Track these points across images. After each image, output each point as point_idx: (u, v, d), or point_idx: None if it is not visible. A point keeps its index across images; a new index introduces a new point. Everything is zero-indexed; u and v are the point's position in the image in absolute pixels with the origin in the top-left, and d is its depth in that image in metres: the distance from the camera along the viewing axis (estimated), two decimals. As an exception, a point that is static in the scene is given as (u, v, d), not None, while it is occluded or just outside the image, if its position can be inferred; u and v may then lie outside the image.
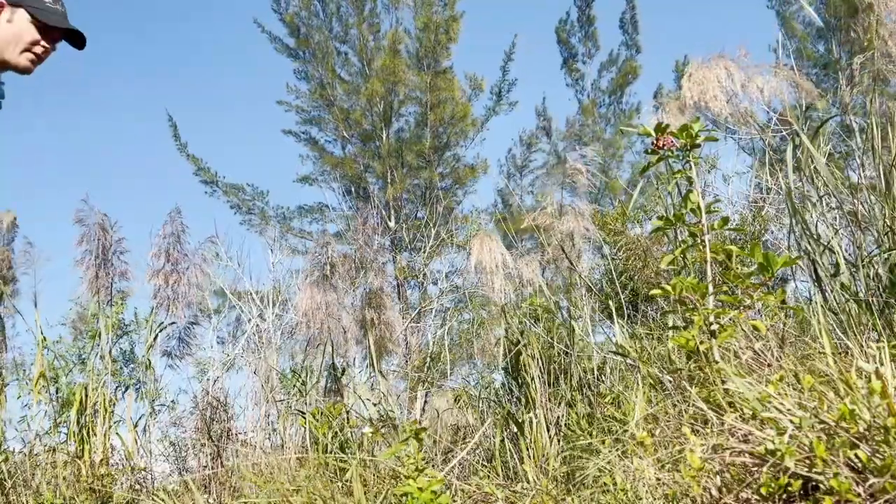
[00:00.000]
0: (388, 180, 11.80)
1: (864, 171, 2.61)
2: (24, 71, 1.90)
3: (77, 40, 1.97)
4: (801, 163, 2.51)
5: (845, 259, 2.27)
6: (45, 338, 3.44)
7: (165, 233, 6.30)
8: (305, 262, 10.28)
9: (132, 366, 6.34)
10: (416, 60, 11.76)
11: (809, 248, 2.33)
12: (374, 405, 3.64)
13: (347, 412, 3.39)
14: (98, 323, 3.72)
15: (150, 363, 4.00)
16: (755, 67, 3.63)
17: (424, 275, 11.00)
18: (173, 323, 6.04)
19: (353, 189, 12.00)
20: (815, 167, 2.46)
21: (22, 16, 1.86)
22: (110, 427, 3.23)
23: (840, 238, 2.38)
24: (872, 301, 2.10)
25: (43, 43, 1.89)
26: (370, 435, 2.77)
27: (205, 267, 6.44)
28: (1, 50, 1.86)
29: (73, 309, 7.01)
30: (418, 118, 11.96)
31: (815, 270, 2.32)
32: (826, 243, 2.34)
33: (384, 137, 11.91)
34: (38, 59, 1.91)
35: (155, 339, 3.87)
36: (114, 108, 21.06)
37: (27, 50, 1.87)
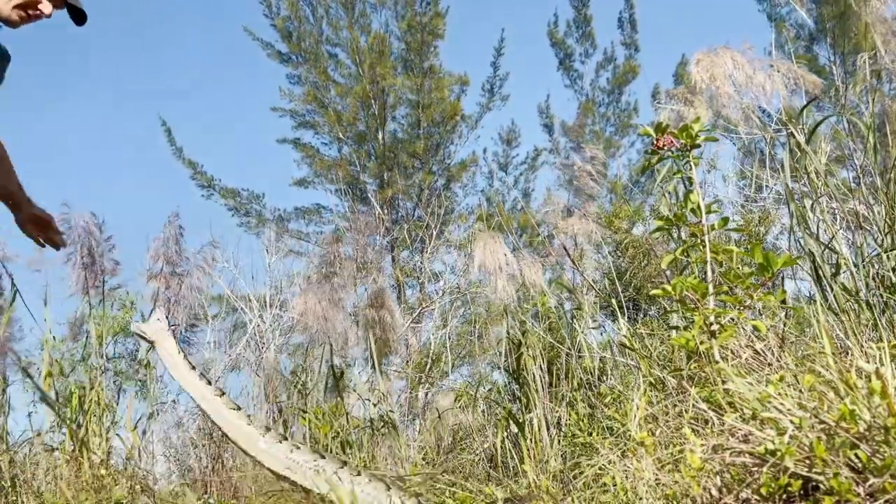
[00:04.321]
0: (385, 181, 11.80)
1: (862, 171, 2.61)
2: (12, 25, 1.91)
3: (77, 16, 1.97)
4: (800, 163, 2.51)
5: (846, 259, 2.27)
6: (54, 337, 3.45)
7: (165, 236, 6.30)
8: (308, 262, 10.31)
9: (134, 366, 6.35)
10: (402, 62, 11.78)
11: (811, 247, 2.33)
12: (374, 405, 3.64)
13: (348, 413, 3.39)
14: (90, 324, 3.72)
15: (149, 363, 4.00)
16: (758, 62, 3.63)
17: (423, 273, 10.99)
18: (174, 325, 6.03)
19: (349, 190, 11.99)
20: (814, 168, 2.46)
21: None
22: (110, 427, 3.23)
23: (840, 238, 2.38)
24: (873, 301, 2.10)
25: (42, 7, 1.88)
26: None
27: (207, 269, 6.44)
28: None
29: (71, 313, 7.01)
30: (410, 119, 11.97)
31: (816, 270, 2.32)
32: (826, 243, 2.34)
33: (379, 138, 11.92)
34: (28, 18, 1.91)
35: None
36: (105, 108, 21.06)
37: (20, 6, 1.87)
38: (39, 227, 2.24)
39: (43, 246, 2.29)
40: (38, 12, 1.90)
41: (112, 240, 6.14)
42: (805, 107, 2.67)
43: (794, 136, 2.44)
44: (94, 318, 3.81)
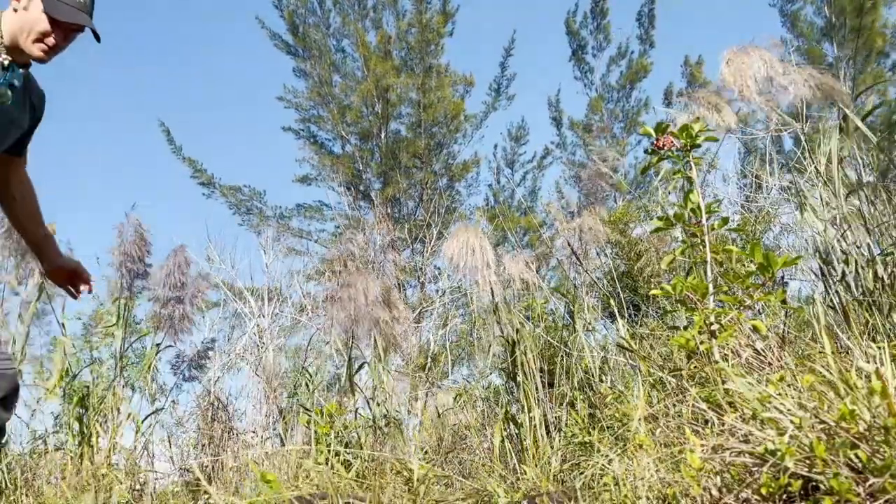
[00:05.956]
0: (387, 179, 11.80)
1: (867, 171, 2.60)
2: (39, 60, 1.89)
3: (93, 33, 1.96)
4: (808, 161, 2.50)
5: (855, 258, 2.27)
6: (66, 338, 3.46)
7: (169, 267, 6.49)
8: (310, 259, 10.29)
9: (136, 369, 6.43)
10: (405, 62, 11.78)
11: (818, 246, 2.32)
12: (378, 405, 3.63)
13: (356, 410, 3.39)
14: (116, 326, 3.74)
15: (149, 368, 4.01)
16: (783, 63, 3.61)
17: (424, 273, 10.99)
18: (170, 346, 6.19)
19: (351, 188, 11.99)
20: (828, 166, 2.45)
21: (37, 5, 1.85)
22: (113, 427, 3.24)
23: (845, 237, 2.38)
24: (875, 301, 2.09)
25: (54, 36, 1.86)
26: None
27: (202, 289, 6.63)
28: (15, 37, 1.86)
29: (83, 319, 7.06)
30: (412, 118, 11.98)
31: (821, 270, 2.31)
32: (831, 243, 2.34)
33: (382, 136, 11.91)
34: (52, 50, 1.88)
35: (155, 355, 3.89)
36: (102, 106, 21.10)
37: (39, 40, 1.86)
38: (66, 277, 2.17)
39: (75, 297, 2.20)
40: (55, 42, 1.87)
41: (148, 247, 6.34)
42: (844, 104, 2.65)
43: (849, 120, 2.40)
44: (119, 321, 3.79)
